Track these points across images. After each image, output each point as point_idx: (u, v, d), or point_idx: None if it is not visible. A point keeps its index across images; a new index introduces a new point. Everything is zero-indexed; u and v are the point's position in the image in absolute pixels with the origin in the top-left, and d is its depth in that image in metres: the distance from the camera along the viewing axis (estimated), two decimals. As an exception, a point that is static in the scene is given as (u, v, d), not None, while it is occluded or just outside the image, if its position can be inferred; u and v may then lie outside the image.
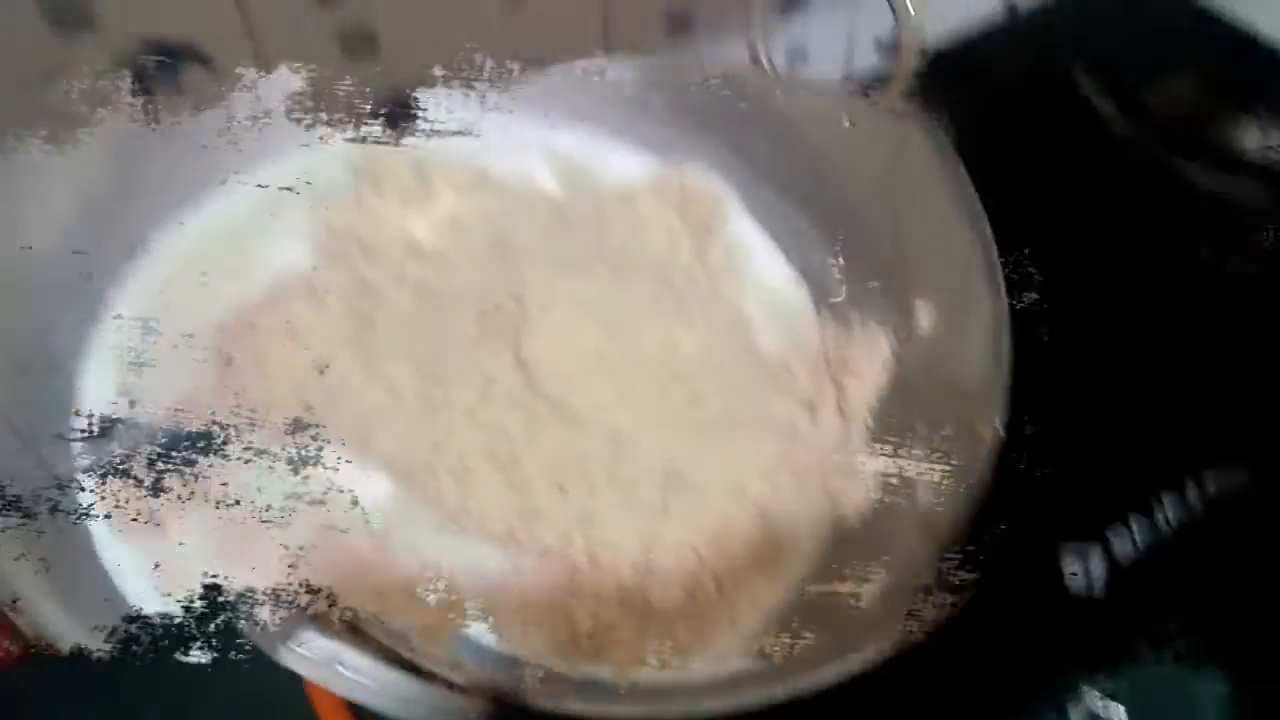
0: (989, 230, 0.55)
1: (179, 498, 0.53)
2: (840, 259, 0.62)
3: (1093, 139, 0.80)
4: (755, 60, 0.68)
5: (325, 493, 0.53)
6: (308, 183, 0.61)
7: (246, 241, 0.60)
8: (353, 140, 0.62)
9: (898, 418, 0.57)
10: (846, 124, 0.62)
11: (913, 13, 0.59)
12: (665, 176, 0.65)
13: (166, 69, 0.62)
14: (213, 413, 0.55)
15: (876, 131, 0.60)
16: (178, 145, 0.60)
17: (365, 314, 0.59)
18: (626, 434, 0.56)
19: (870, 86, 0.62)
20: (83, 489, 0.52)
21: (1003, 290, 0.55)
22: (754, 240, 0.64)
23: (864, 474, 0.56)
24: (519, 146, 0.64)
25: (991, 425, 0.51)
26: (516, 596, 0.53)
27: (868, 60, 0.85)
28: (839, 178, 0.62)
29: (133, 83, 0.60)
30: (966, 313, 0.56)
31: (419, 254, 0.61)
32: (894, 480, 0.55)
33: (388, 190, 0.62)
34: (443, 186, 0.62)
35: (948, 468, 0.53)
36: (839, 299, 0.62)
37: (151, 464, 0.54)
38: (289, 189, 0.62)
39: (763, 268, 0.64)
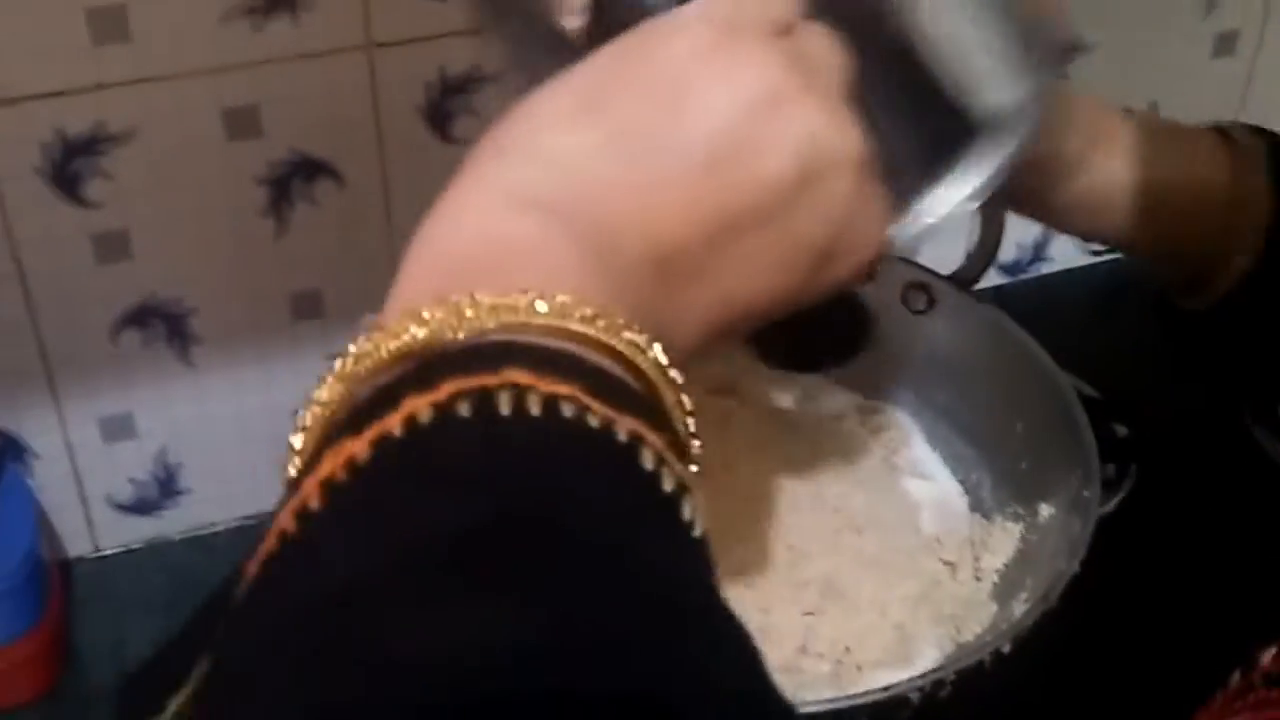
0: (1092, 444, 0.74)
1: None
2: (991, 479, 0.82)
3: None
4: None
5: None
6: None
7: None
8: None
9: (1014, 577, 0.75)
10: None
11: None
12: (868, 408, 0.87)
13: None
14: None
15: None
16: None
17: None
18: (801, 550, 0.76)
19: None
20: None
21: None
22: (931, 462, 0.85)
23: (982, 615, 0.74)
24: (772, 378, 0.89)
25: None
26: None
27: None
28: (997, 422, 0.83)
29: None
30: (1070, 511, 0.74)
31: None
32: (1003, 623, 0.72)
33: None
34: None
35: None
36: (989, 507, 0.81)
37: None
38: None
39: (935, 480, 0.84)
